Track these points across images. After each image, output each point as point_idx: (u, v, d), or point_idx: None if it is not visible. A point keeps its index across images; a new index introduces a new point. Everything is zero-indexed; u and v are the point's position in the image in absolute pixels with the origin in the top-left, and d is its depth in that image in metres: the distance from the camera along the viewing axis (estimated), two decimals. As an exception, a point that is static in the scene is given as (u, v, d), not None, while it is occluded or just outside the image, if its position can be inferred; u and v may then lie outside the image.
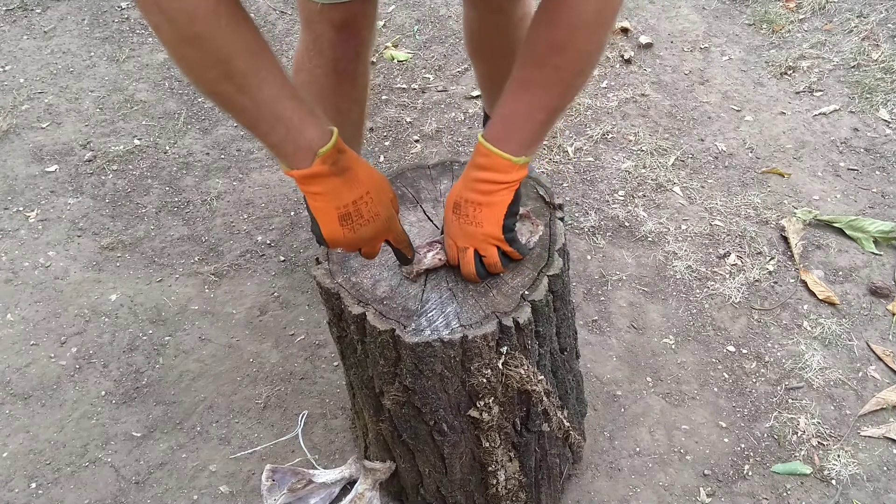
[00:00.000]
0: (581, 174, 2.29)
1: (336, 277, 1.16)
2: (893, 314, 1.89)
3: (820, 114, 2.47)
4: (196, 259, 2.08)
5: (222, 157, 2.40)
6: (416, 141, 2.42)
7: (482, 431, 1.19)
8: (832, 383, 1.75)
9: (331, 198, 1.01)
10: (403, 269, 1.17)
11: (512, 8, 1.66)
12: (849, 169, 2.28)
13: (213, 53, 0.89)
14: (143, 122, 2.53)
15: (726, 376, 1.78)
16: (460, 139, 2.42)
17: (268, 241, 2.12)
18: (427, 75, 2.70)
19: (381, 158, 2.37)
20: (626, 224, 2.13)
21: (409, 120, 2.51)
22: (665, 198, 2.21)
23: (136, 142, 2.45)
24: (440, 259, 1.16)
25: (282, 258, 2.07)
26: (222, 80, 0.91)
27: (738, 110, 2.51)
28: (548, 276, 1.13)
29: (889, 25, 2.76)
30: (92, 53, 2.82)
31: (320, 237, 1.05)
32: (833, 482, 1.58)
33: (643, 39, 2.78)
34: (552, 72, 1.02)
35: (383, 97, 2.61)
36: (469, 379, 1.12)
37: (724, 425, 1.68)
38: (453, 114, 2.52)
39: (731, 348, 1.83)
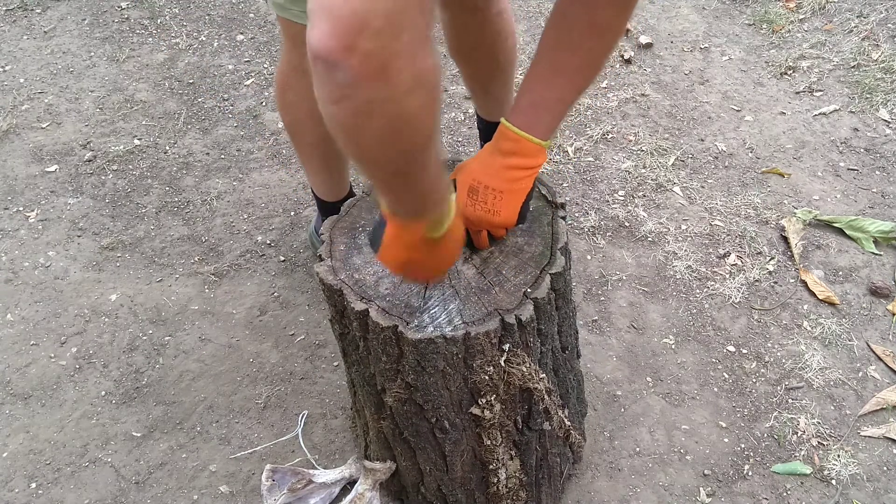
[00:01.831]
0: (581, 174, 2.29)
1: (339, 274, 1.16)
2: (893, 314, 1.89)
3: (820, 114, 2.47)
4: (196, 259, 2.08)
5: (222, 157, 2.40)
6: (417, 141, 2.42)
7: (483, 429, 1.19)
8: (832, 383, 1.75)
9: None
10: None
11: (488, 5, 1.66)
12: (849, 169, 2.28)
13: (437, 109, 0.76)
14: (143, 122, 2.53)
15: (726, 376, 1.78)
16: (460, 139, 2.42)
17: (268, 241, 2.12)
18: (427, 76, 2.70)
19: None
20: (626, 224, 2.13)
21: (409, 120, 2.50)
22: (665, 198, 2.21)
23: (136, 142, 2.45)
24: None
25: (282, 258, 2.07)
26: (431, 137, 0.79)
27: (738, 110, 2.51)
28: (550, 273, 1.14)
29: (889, 25, 2.76)
30: (92, 53, 2.82)
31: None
32: (833, 482, 1.58)
33: (643, 39, 2.79)
34: (587, 54, 1.04)
35: (383, 97, 2.61)
36: (471, 376, 1.12)
37: (724, 425, 1.68)
38: (453, 114, 2.52)
39: (731, 348, 1.83)
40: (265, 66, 2.74)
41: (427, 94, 0.71)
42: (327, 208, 1.81)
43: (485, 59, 1.78)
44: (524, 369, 1.12)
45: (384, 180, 0.84)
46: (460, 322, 1.08)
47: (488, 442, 1.22)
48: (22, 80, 2.70)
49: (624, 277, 1.99)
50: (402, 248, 0.98)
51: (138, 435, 1.69)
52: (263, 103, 2.59)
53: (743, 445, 1.65)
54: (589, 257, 2.05)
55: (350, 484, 1.55)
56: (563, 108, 1.07)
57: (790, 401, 1.72)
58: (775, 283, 1.97)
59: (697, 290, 1.96)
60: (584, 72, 1.06)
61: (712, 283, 1.98)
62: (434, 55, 0.69)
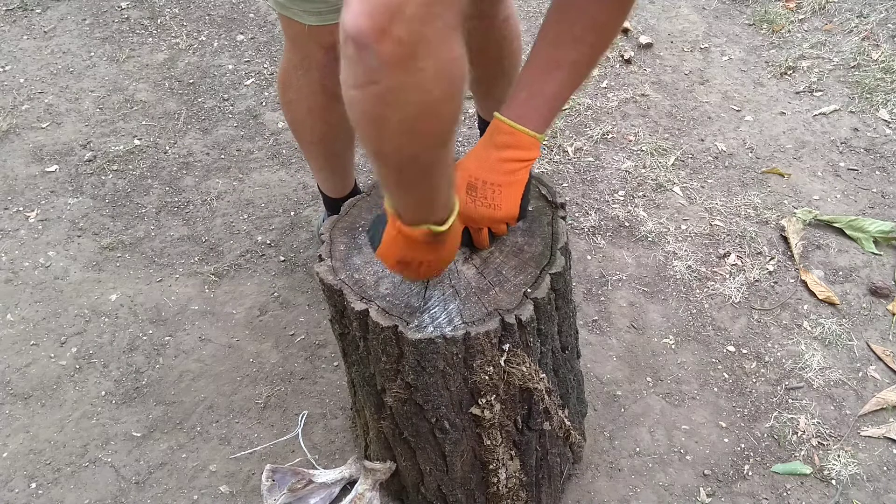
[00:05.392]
0: (581, 174, 2.29)
1: (339, 274, 1.16)
2: (893, 314, 1.89)
3: (820, 114, 2.47)
4: (196, 259, 2.08)
5: (222, 157, 2.40)
6: (417, 141, 2.42)
7: (483, 429, 1.19)
8: (832, 383, 1.75)
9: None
10: None
11: (495, 11, 1.66)
12: (849, 169, 2.28)
13: (459, 103, 0.75)
14: (143, 122, 2.53)
15: (726, 376, 1.78)
16: (460, 139, 2.42)
17: (268, 241, 2.12)
18: (427, 76, 2.69)
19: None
20: (626, 224, 2.13)
21: (409, 120, 2.50)
22: (665, 198, 2.21)
23: (136, 142, 2.45)
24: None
25: (282, 258, 2.07)
26: (452, 131, 0.78)
27: (738, 110, 2.51)
28: (550, 273, 1.14)
29: (889, 25, 2.76)
30: (92, 53, 2.82)
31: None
32: (833, 482, 1.58)
33: (643, 39, 2.78)
34: (587, 50, 1.05)
35: (383, 97, 2.60)
36: (471, 376, 1.12)
37: (724, 425, 1.68)
38: (453, 114, 2.51)
39: (731, 348, 1.83)
40: (265, 66, 2.74)
41: (451, 86, 0.71)
42: (332, 204, 1.82)
43: (490, 63, 1.78)
44: (524, 369, 1.12)
45: (397, 178, 0.84)
46: (460, 322, 1.08)
47: (488, 442, 1.22)
48: (22, 80, 2.70)
49: (624, 277, 1.99)
50: (401, 247, 0.98)
51: (138, 435, 1.69)
52: (263, 103, 2.59)
53: (743, 445, 1.65)
54: (589, 257, 2.05)
55: (350, 484, 1.55)
56: (559, 102, 1.08)
57: (790, 401, 1.72)
58: (775, 283, 1.97)
59: (697, 290, 1.96)
60: (583, 67, 1.07)
61: (712, 283, 1.98)
62: (462, 47, 0.69)
